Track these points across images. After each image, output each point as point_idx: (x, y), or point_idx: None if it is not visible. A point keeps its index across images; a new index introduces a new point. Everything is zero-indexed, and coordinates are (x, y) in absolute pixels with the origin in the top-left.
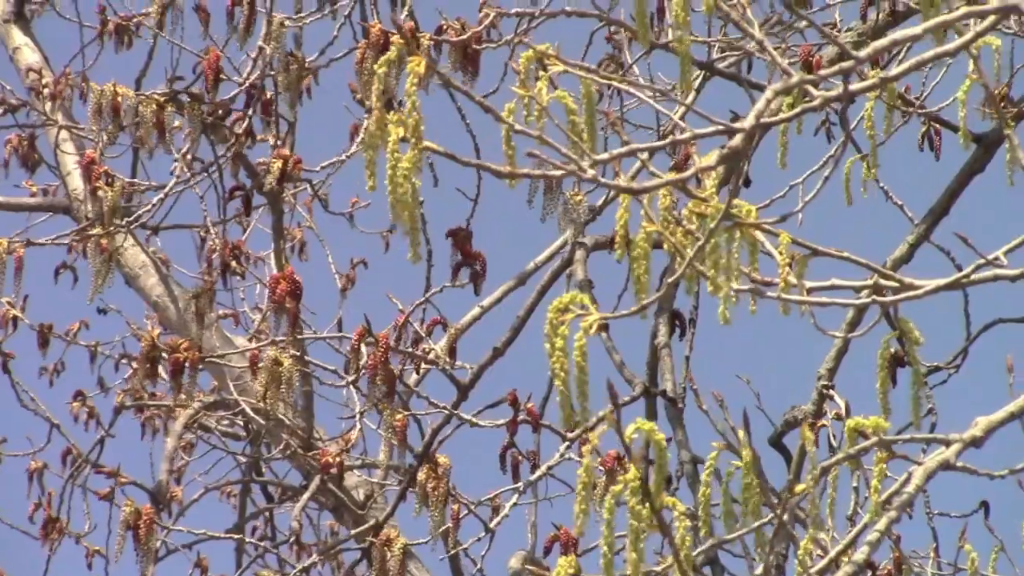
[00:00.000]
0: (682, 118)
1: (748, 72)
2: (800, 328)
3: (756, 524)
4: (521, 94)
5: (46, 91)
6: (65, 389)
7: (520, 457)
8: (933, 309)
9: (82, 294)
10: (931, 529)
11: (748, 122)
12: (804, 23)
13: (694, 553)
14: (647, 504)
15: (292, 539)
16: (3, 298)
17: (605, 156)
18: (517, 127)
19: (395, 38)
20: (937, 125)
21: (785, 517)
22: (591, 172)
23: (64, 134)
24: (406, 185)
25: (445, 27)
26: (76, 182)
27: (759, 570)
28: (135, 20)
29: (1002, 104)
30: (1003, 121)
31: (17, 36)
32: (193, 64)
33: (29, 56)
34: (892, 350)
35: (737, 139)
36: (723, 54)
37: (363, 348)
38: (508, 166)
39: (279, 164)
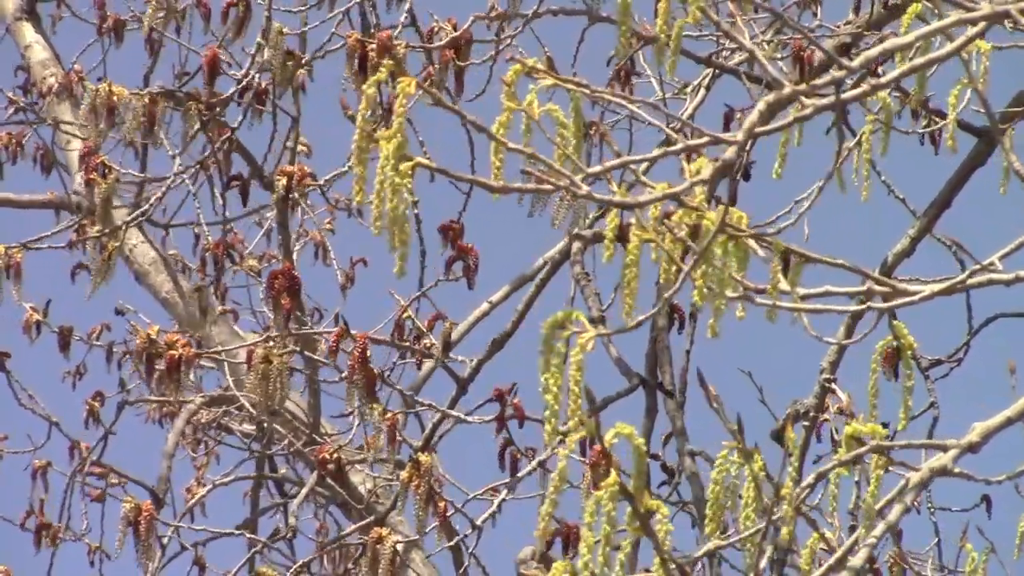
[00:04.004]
0: (689, 119)
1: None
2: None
3: (748, 532)
4: (511, 107)
5: (54, 87)
6: (87, 392)
7: (519, 454)
8: (935, 303)
9: (98, 295)
10: (933, 524)
11: (740, 135)
12: (815, 21)
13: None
14: (631, 507)
15: (290, 536)
16: (27, 304)
17: (598, 169)
18: (510, 145)
19: (385, 59)
20: (938, 119)
21: (779, 515)
22: (585, 188)
23: (72, 131)
24: (396, 200)
25: (436, 28)
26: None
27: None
28: (139, 17)
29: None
30: (995, 128)
31: (28, 34)
32: (198, 62)
33: (40, 54)
34: (893, 345)
35: (730, 152)
36: (725, 49)
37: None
38: (497, 179)
39: (284, 181)
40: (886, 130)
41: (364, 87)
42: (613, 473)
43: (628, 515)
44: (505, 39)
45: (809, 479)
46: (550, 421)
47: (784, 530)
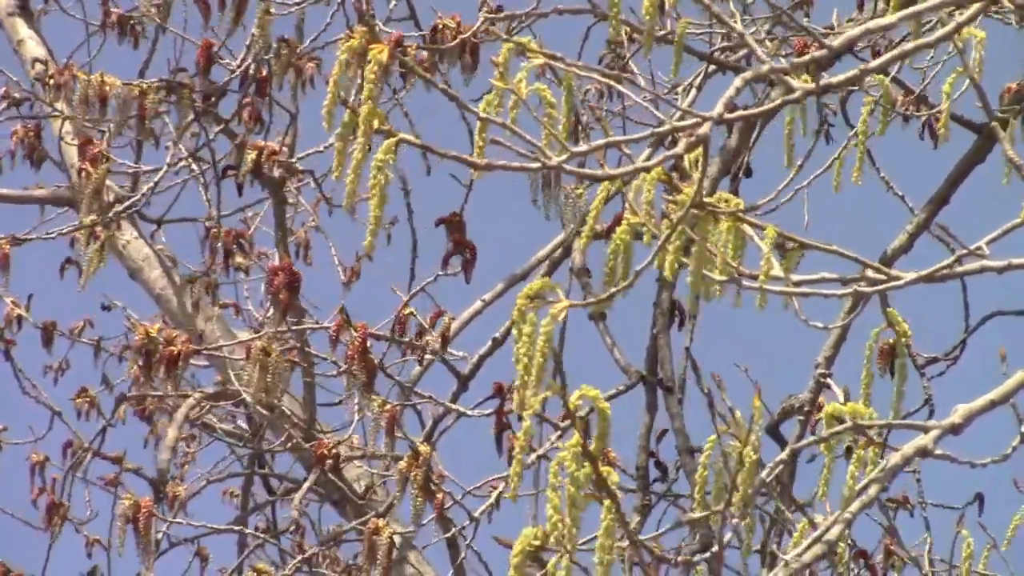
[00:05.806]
0: (683, 114)
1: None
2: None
3: (704, 513)
4: (499, 86)
5: (50, 82)
6: (69, 387)
7: (516, 438)
8: (934, 300)
9: (86, 290)
10: (924, 519)
11: (716, 111)
12: (805, 21)
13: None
14: (591, 468)
15: (292, 528)
16: (8, 297)
17: (584, 148)
18: (482, 115)
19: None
20: (939, 113)
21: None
22: (556, 160)
23: (68, 126)
24: (379, 176)
25: (440, 25)
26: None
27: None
28: (139, 13)
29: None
30: (991, 116)
31: (22, 29)
32: (195, 55)
33: (33, 49)
34: (890, 342)
35: (704, 127)
36: (723, 45)
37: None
38: (480, 157)
39: (253, 155)
40: (884, 112)
41: (338, 53)
42: (576, 434)
43: (585, 474)
44: (514, 29)
45: (783, 455)
46: (520, 391)
47: (745, 522)
